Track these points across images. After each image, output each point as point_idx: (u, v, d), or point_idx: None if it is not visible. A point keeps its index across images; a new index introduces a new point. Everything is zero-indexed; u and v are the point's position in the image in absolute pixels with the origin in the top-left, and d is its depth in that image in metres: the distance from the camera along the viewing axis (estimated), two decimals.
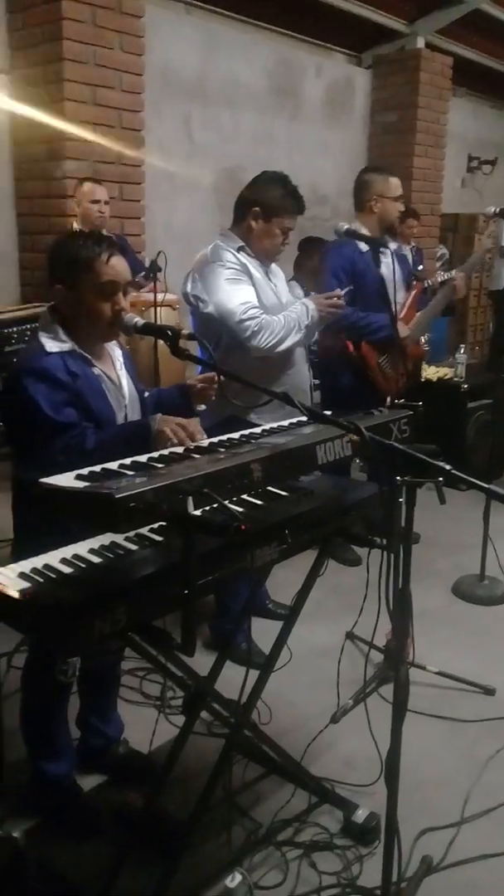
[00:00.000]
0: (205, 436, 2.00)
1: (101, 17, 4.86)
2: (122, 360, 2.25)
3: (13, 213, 5.33)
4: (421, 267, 6.16)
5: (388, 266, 3.82)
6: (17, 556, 1.63)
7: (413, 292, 4.03)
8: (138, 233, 5.43)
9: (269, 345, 2.84)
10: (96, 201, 4.50)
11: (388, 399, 3.68)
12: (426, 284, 4.34)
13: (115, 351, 2.25)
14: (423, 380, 5.09)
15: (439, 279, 4.39)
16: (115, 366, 2.22)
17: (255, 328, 2.81)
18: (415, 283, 4.12)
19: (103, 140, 5.01)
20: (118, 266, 2.06)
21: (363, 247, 3.77)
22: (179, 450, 1.85)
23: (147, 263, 4.55)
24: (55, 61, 4.78)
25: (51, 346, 2.05)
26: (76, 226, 4.52)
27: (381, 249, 3.74)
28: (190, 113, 6.24)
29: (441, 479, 1.54)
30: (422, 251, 6.98)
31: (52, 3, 4.71)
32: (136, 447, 1.86)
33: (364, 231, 3.81)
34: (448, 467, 1.54)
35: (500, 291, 4.13)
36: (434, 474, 1.57)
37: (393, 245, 4.05)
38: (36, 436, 1.96)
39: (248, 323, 2.80)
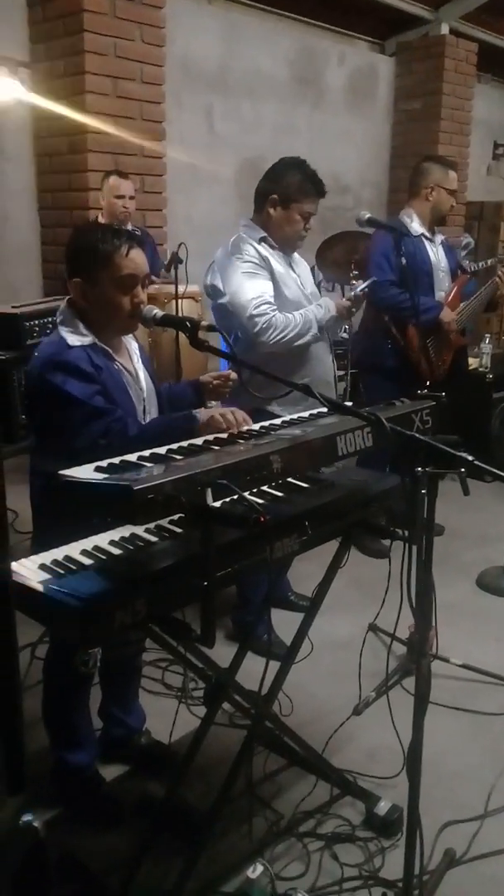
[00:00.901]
0: (251, 422, 2.02)
1: (121, 9, 4.86)
2: (138, 353, 2.26)
3: (35, 206, 5.36)
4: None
5: (434, 255, 3.94)
6: (36, 549, 1.64)
7: (458, 281, 4.02)
8: (160, 224, 5.44)
9: (277, 342, 2.83)
10: (121, 196, 4.49)
11: (428, 383, 3.76)
12: (473, 269, 4.33)
13: (132, 344, 2.26)
14: (469, 369, 5.05)
15: (471, 269, 4.39)
16: (132, 359, 2.23)
17: (264, 325, 2.80)
18: (460, 273, 4.11)
19: (124, 132, 5.01)
20: (137, 259, 2.07)
21: (415, 229, 3.87)
22: (199, 441, 1.85)
23: (168, 255, 4.55)
24: (76, 53, 4.80)
25: (72, 339, 2.05)
26: (100, 219, 4.51)
27: (430, 238, 3.87)
28: (211, 104, 6.22)
29: (463, 469, 1.52)
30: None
31: None
32: (178, 439, 1.86)
33: (414, 217, 3.93)
34: (471, 458, 1.53)
35: None
36: (456, 465, 1.56)
37: (441, 237, 4.07)
38: (71, 426, 1.96)
39: (256, 319, 2.80)
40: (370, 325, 4.04)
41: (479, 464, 1.50)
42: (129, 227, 4.56)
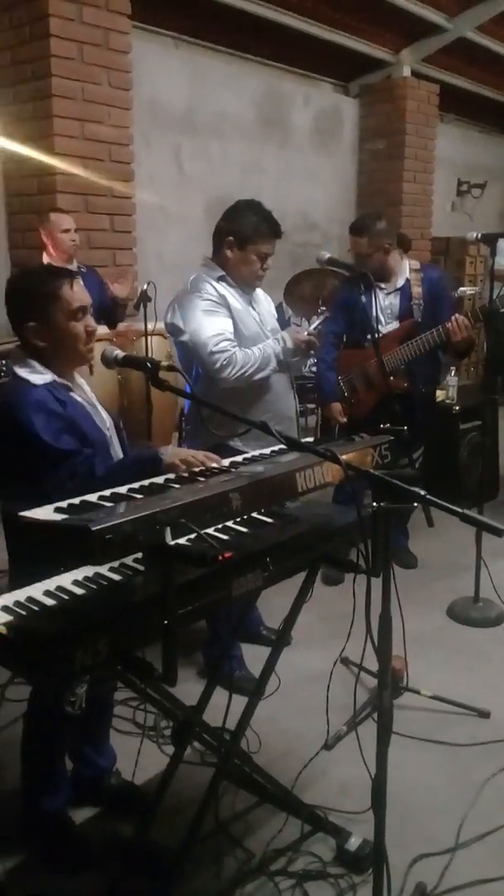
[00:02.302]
0: (217, 458, 2.04)
1: (88, 54, 4.96)
2: (89, 389, 2.32)
3: (6, 245, 5.41)
4: None
5: (381, 299, 3.96)
6: (12, 587, 1.64)
7: (402, 325, 4.03)
8: (130, 263, 5.51)
9: (237, 378, 2.88)
10: (67, 230, 4.55)
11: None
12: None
13: (83, 382, 2.31)
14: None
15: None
16: (86, 394, 2.28)
17: (224, 362, 2.85)
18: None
19: (93, 174, 5.09)
20: (80, 291, 2.16)
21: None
22: (160, 480, 1.87)
23: (138, 294, 4.59)
24: (43, 98, 4.88)
25: (35, 378, 2.10)
26: (46, 258, 4.53)
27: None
28: (179, 144, 6.34)
29: (415, 503, 1.56)
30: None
31: (39, 41, 4.82)
32: (145, 478, 1.89)
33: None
34: (423, 492, 1.56)
35: (490, 312, 4.14)
36: (410, 500, 1.59)
37: (402, 279, 4.02)
38: (39, 468, 1.99)
39: (217, 356, 2.84)
40: None
41: (432, 498, 1.53)
42: (75, 263, 4.61)
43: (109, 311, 4.61)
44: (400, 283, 4.00)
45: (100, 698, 2.45)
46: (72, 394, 2.16)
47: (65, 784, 2.36)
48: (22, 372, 2.11)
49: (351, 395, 4.08)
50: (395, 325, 4.00)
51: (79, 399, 2.18)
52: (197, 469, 1.96)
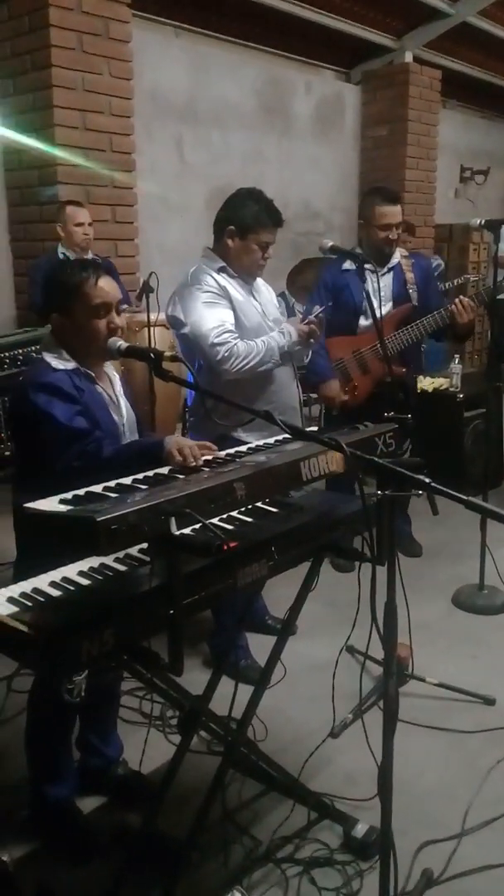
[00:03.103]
0: (215, 448, 2.06)
1: (88, 44, 4.94)
2: (119, 384, 2.33)
3: (7, 238, 5.41)
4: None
5: (373, 285, 3.81)
6: (17, 580, 1.65)
7: (399, 309, 3.99)
8: (132, 254, 5.49)
9: (239, 370, 2.86)
10: (80, 224, 4.58)
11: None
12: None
13: (114, 375, 2.34)
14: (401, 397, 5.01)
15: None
16: (114, 387, 2.31)
17: (225, 353, 2.84)
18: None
19: (94, 164, 5.08)
20: (107, 287, 2.16)
21: (348, 265, 3.84)
22: (164, 471, 1.87)
23: (140, 284, 4.60)
24: (44, 88, 4.86)
25: (56, 363, 2.15)
26: (60, 249, 4.58)
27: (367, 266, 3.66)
28: (181, 134, 6.32)
29: (420, 491, 1.56)
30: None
31: (39, 31, 4.80)
32: (149, 464, 1.92)
33: (357, 248, 3.93)
34: (427, 480, 1.55)
35: (494, 300, 4.13)
36: (415, 488, 1.59)
37: (396, 260, 3.97)
38: (50, 447, 2.02)
39: (218, 348, 2.83)
40: None
41: (436, 486, 1.52)
42: (90, 254, 4.65)
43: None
44: (393, 262, 3.98)
45: (106, 688, 2.46)
46: (94, 385, 2.19)
47: (71, 773, 2.38)
48: (47, 356, 2.16)
49: (344, 383, 4.01)
50: (388, 306, 3.94)
51: (99, 391, 2.20)
52: (192, 465, 1.95)
